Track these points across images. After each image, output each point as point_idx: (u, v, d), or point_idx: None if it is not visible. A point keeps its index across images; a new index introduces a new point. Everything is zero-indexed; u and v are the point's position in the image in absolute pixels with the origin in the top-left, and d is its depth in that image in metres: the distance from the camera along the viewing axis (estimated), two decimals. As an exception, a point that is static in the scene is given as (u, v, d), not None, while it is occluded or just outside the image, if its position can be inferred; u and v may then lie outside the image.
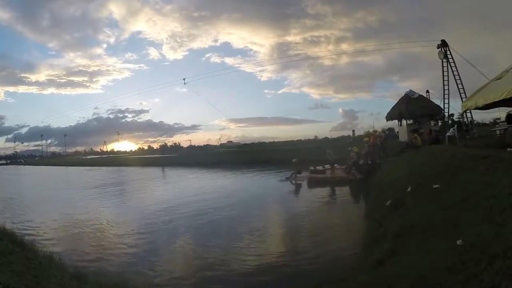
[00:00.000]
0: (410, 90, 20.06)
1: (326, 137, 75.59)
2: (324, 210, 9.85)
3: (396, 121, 21.02)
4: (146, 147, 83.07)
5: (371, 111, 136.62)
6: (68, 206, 12.32)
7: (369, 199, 10.11)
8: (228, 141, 78.50)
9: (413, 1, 79.64)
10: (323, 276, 4.80)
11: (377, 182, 10.94)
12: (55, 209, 11.79)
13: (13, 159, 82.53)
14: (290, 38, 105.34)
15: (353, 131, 79.06)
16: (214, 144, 74.78)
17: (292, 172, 15.80)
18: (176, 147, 66.16)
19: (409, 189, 7.70)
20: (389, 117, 20.29)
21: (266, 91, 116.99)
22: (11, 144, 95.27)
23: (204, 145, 72.11)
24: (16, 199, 14.98)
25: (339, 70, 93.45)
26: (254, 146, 50.31)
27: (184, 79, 31.79)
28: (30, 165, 66.60)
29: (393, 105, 20.38)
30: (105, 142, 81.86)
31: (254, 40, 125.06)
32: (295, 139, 70.75)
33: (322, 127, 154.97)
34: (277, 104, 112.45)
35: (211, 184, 16.82)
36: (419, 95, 19.88)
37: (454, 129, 13.20)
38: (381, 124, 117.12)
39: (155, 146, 76.93)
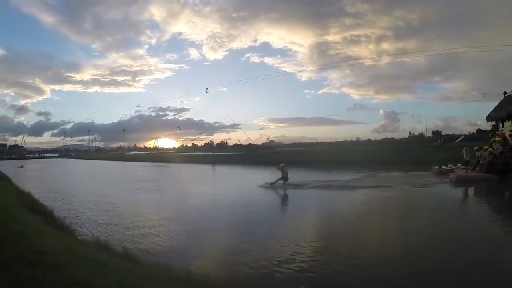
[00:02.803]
0: (514, 91, 19.86)
1: (369, 139, 75.09)
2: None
3: (494, 122, 20.82)
4: (189, 145, 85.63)
5: (412, 113, 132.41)
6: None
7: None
8: (269, 141, 79.76)
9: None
10: None
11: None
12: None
13: (64, 152, 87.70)
14: (329, 38, 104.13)
15: (410, 132, 77.18)
16: (256, 143, 75.96)
17: (278, 178, 14.32)
18: (223, 145, 67.83)
19: None
20: (493, 118, 20.17)
21: (306, 91, 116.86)
22: (57, 139, 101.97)
23: (248, 144, 73.47)
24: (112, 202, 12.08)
25: (380, 70, 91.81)
26: (317, 145, 50.75)
27: (207, 88, 32.45)
28: (80, 158, 70.48)
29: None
30: (156, 138, 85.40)
31: (293, 40, 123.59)
32: (340, 140, 70.87)
33: (362, 129, 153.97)
34: (317, 104, 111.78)
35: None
36: (525, 96, 19.65)
37: None
38: (423, 126, 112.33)
39: (199, 143, 79.48)
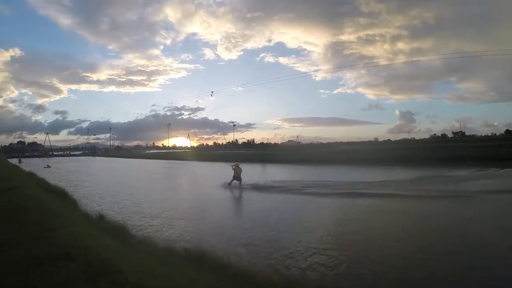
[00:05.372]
0: None
1: (388, 139, 77.88)
2: None
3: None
4: (210, 144, 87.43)
5: (427, 113, 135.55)
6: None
7: None
8: (289, 140, 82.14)
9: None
10: None
11: None
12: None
13: (91, 150, 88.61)
14: (344, 37, 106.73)
15: (434, 134, 78.49)
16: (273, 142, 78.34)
17: (232, 179, 14.39)
18: (249, 144, 69.88)
19: None
20: None
21: (321, 91, 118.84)
22: (73, 137, 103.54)
23: (268, 143, 75.81)
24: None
25: (395, 70, 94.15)
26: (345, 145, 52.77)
27: (212, 92, 33.69)
28: (108, 156, 71.10)
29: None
30: (188, 135, 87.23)
31: (308, 39, 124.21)
32: (365, 140, 73.78)
33: (378, 129, 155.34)
34: (332, 104, 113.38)
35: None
36: None
37: None
38: (439, 127, 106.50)
39: (221, 142, 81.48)
